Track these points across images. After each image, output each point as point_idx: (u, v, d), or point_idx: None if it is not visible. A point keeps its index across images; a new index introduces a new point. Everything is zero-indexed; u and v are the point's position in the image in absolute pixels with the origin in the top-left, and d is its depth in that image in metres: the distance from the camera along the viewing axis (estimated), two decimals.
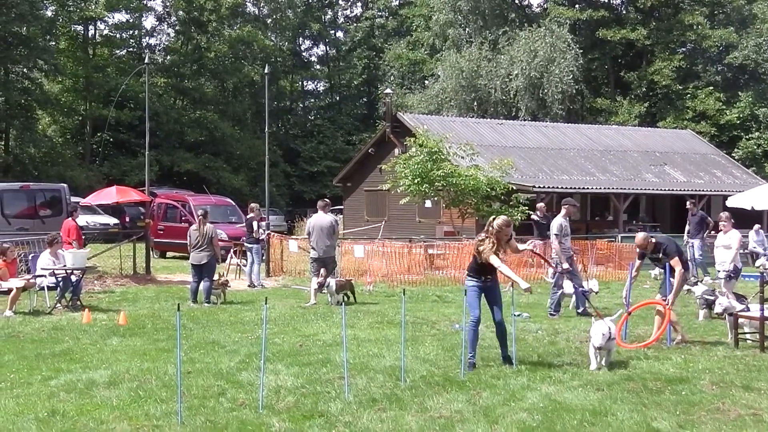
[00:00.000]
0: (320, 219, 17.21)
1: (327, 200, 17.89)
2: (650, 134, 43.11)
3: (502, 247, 10.24)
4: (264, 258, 23.75)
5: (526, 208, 26.81)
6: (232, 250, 23.30)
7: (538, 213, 24.17)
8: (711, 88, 51.97)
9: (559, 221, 15.46)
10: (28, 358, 10.74)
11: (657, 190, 35.41)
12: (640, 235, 12.53)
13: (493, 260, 9.95)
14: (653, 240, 12.37)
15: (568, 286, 15.23)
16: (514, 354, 10.42)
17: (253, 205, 21.94)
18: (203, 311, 15.61)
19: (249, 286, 20.51)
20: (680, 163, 39.09)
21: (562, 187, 32.72)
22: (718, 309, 12.82)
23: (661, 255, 12.19)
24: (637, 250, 12.54)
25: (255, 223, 21.14)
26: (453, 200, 26.98)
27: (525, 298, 17.70)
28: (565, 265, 15.12)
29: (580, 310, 15.31)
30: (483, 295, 10.33)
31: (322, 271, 16.63)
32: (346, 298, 16.47)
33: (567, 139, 38.83)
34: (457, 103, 51.10)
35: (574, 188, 33.11)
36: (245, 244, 21.43)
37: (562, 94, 49.20)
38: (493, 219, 10.15)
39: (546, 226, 23.71)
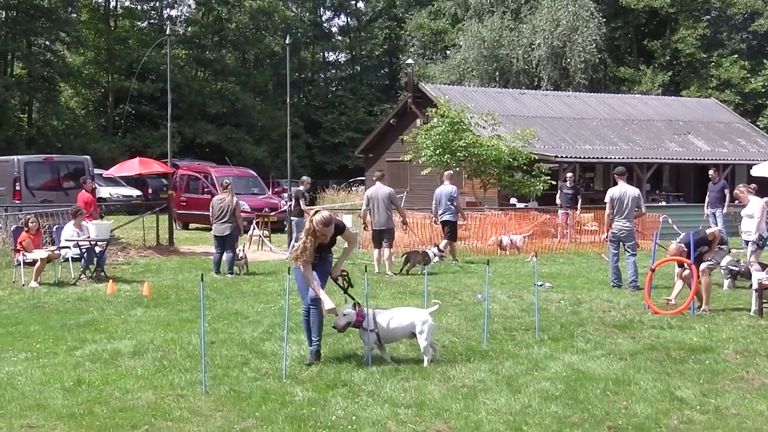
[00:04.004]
0: (378, 190, 17.25)
1: (382, 171, 18.11)
2: (673, 103, 42.70)
3: (324, 242, 8.85)
4: (287, 228, 23.80)
5: (548, 177, 26.71)
6: (254, 222, 23.33)
7: (567, 183, 24.18)
8: (735, 56, 51.37)
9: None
10: (53, 329, 10.85)
11: (680, 159, 35.11)
12: (673, 248, 12.73)
13: (304, 267, 8.72)
14: (684, 248, 12.50)
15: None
16: (537, 324, 10.40)
17: (305, 178, 21.75)
18: (226, 282, 15.69)
19: (287, 258, 20.04)
20: (704, 131, 38.71)
21: (584, 157, 32.53)
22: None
23: (702, 248, 12.40)
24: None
25: (302, 198, 20.84)
26: (475, 170, 26.90)
27: (548, 267, 17.70)
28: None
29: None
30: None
31: (384, 243, 16.94)
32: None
33: (589, 108, 38.55)
34: (478, 73, 50.82)
35: (597, 158, 32.90)
36: (290, 217, 21.10)
37: (585, 64, 48.79)
38: (314, 214, 8.78)
39: (573, 196, 23.76)
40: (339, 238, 9.12)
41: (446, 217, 18.99)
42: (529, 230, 21.98)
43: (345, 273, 9.11)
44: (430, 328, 8.80)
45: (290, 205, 21.67)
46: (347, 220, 23.18)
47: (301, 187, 21.12)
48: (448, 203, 18.95)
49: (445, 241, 19.04)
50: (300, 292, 9.05)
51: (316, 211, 8.85)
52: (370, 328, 8.72)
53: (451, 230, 19.13)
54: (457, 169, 27.40)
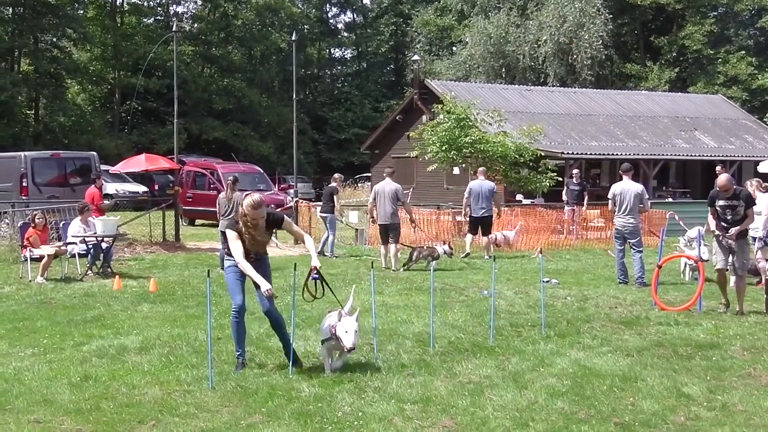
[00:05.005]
0: (385, 185, 17.34)
1: (393, 168, 18.12)
2: (680, 99, 42.59)
3: (255, 232, 8.14)
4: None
5: (555, 174, 26.67)
6: None
7: (573, 179, 24.18)
8: (743, 52, 51.21)
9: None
10: (60, 324, 10.88)
11: (687, 155, 35.02)
12: (723, 177, 11.77)
13: (234, 248, 8.10)
14: (734, 186, 11.77)
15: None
16: (543, 320, 10.39)
17: (336, 175, 21.63)
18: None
19: (318, 253, 19.77)
20: (711, 128, 38.62)
21: (590, 154, 32.48)
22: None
23: (740, 201, 11.54)
24: (712, 192, 11.89)
25: (336, 195, 20.71)
26: (479, 167, 26.83)
27: (554, 264, 17.68)
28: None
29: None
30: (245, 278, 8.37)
31: (390, 239, 17.05)
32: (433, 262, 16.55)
33: (596, 104, 38.48)
34: (485, 69, 50.76)
35: (603, 154, 32.84)
36: (320, 214, 20.90)
37: (591, 60, 48.69)
38: (245, 197, 8.18)
39: (579, 192, 23.74)
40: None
41: (486, 213, 19.01)
42: (518, 225, 21.69)
43: (319, 275, 8.37)
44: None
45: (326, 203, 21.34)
46: (353, 216, 23.19)
47: (334, 184, 21.03)
48: (487, 199, 18.99)
49: (469, 237, 19.27)
50: (231, 293, 8.45)
51: (247, 194, 8.28)
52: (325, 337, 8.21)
53: (488, 226, 19.19)
54: (464, 165, 27.39)
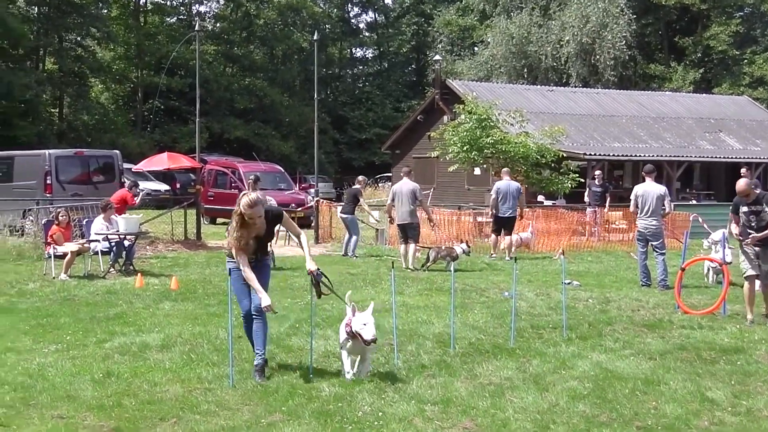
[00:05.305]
0: (403, 185, 17.33)
1: (410, 167, 18.08)
2: (705, 100, 42.30)
3: (254, 232, 7.99)
4: (313, 224, 23.83)
5: (577, 175, 26.56)
6: None
7: (596, 180, 24.10)
8: None
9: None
10: (83, 321, 10.93)
11: (711, 157, 34.79)
12: (742, 182, 11.41)
13: (237, 253, 7.97)
14: (756, 190, 11.45)
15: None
16: (565, 322, 10.34)
17: (360, 177, 21.66)
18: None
19: (343, 255, 19.70)
20: (736, 129, 38.32)
21: (613, 155, 32.31)
22: None
23: (763, 206, 11.18)
24: (735, 199, 11.55)
25: (360, 197, 20.54)
26: (502, 167, 26.77)
27: (575, 266, 17.59)
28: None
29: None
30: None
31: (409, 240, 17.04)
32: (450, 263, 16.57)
33: (619, 105, 38.28)
34: (506, 69, 50.66)
35: (626, 156, 32.66)
36: (340, 214, 20.74)
37: (615, 60, 48.48)
38: (241, 196, 7.96)
39: (601, 194, 23.64)
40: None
41: (512, 214, 19.07)
42: (529, 227, 21.49)
43: (321, 273, 8.18)
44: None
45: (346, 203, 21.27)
46: (374, 215, 23.17)
47: (358, 186, 20.99)
48: (514, 199, 19.05)
49: (494, 237, 19.34)
50: (237, 298, 8.24)
51: (244, 194, 8.06)
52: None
53: (512, 227, 19.25)
54: (485, 166, 27.32)
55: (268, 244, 8.56)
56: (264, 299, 7.82)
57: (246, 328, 8.31)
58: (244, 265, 7.92)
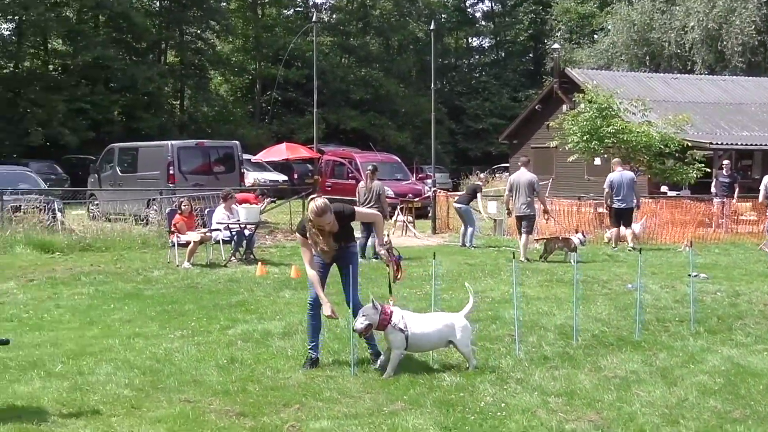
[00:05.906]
0: (520, 176, 17.11)
1: (528, 157, 17.90)
2: None
3: (322, 239, 7.74)
4: (430, 214, 23.80)
5: (702, 165, 25.72)
6: (398, 207, 23.40)
7: (724, 171, 23.33)
8: None
9: None
10: (206, 308, 11.18)
11: None
12: None
13: (303, 254, 7.94)
14: None
15: None
16: (693, 315, 9.98)
17: (482, 175, 21.76)
18: (371, 266, 15.76)
19: (461, 246, 19.60)
20: None
21: (741, 144, 31.17)
22: None
23: None
24: None
25: (479, 192, 20.50)
26: (624, 157, 26.08)
27: (702, 258, 16.99)
28: None
29: None
30: (329, 268, 8.10)
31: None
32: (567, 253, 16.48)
33: (747, 93, 36.87)
34: (627, 57, 49.47)
35: (755, 145, 31.44)
36: (455, 204, 20.46)
37: (743, 46, 46.57)
38: (310, 201, 7.77)
39: (729, 184, 22.82)
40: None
41: (628, 205, 18.68)
42: (642, 219, 20.81)
43: (390, 245, 8.16)
44: (468, 333, 7.94)
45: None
46: (492, 206, 22.96)
47: (480, 183, 20.89)
48: (629, 189, 18.67)
49: (614, 230, 18.93)
50: (309, 285, 8.16)
51: (312, 198, 7.83)
52: (399, 327, 7.66)
53: (630, 217, 18.88)
54: (605, 156, 26.72)
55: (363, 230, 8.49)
56: (326, 307, 7.83)
57: (310, 316, 8.20)
58: (309, 266, 7.87)
